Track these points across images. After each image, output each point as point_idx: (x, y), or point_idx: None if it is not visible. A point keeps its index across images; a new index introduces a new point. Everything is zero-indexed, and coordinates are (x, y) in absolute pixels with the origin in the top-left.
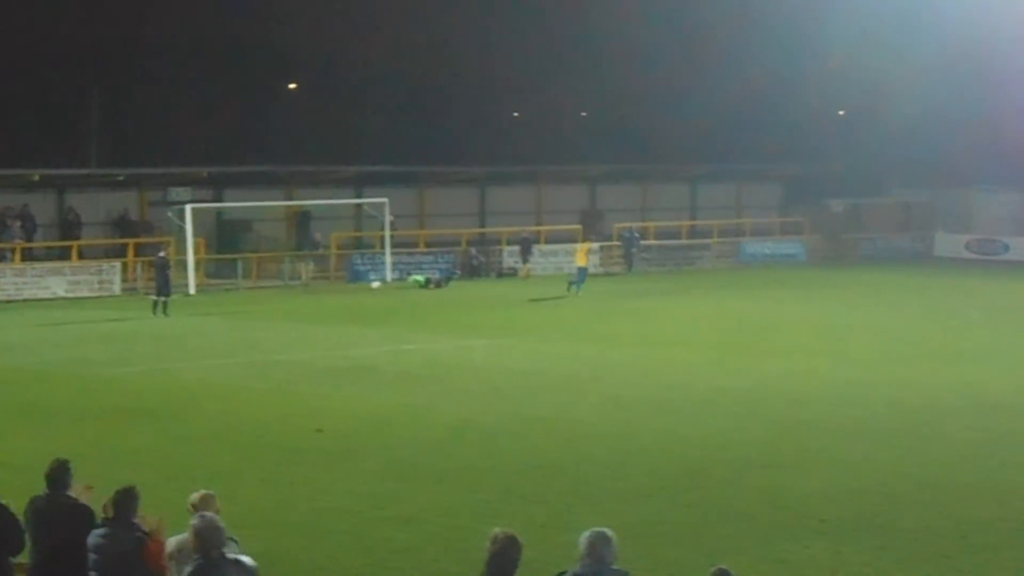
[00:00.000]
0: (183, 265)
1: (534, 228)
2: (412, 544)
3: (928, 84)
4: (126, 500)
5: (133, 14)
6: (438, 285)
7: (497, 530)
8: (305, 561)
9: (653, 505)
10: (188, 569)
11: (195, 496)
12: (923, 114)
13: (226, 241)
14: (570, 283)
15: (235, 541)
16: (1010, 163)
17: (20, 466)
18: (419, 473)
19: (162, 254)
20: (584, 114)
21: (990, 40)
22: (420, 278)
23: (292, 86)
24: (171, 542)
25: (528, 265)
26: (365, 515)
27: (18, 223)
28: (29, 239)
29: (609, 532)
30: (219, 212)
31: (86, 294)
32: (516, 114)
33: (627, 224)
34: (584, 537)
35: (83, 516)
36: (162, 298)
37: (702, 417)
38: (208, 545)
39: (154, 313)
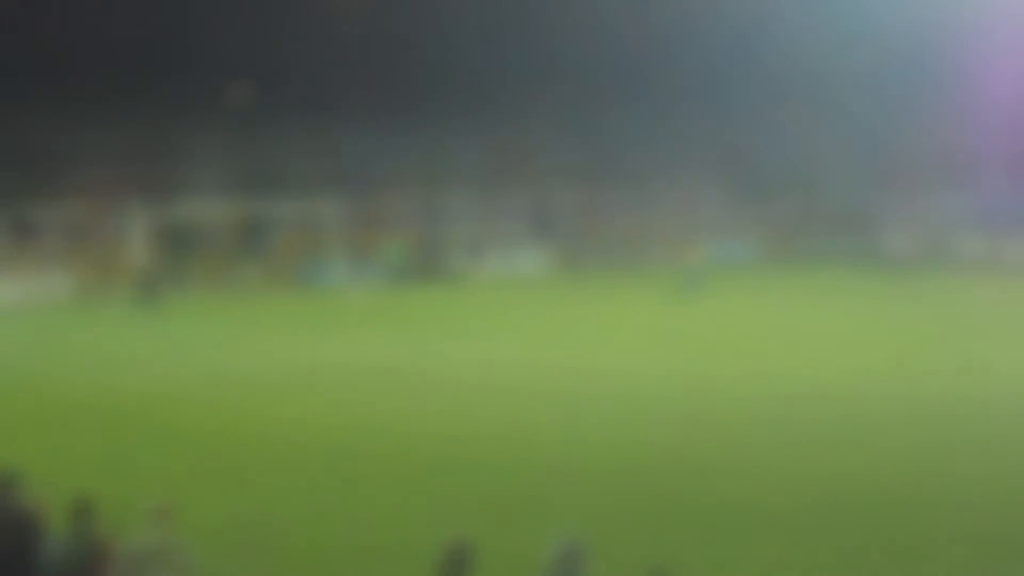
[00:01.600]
0: None
1: None
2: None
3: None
4: (84, 510)
5: None
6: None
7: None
8: None
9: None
10: None
11: (154, 504)
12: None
13: None
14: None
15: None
16: None
17: None
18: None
19: None
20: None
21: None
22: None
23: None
24: (128, 546)
25: None
26: None
27: None
28: None
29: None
30: None
31: None
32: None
33: None
34: (554, 549)
35: (29, 528)
36: None
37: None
38: None
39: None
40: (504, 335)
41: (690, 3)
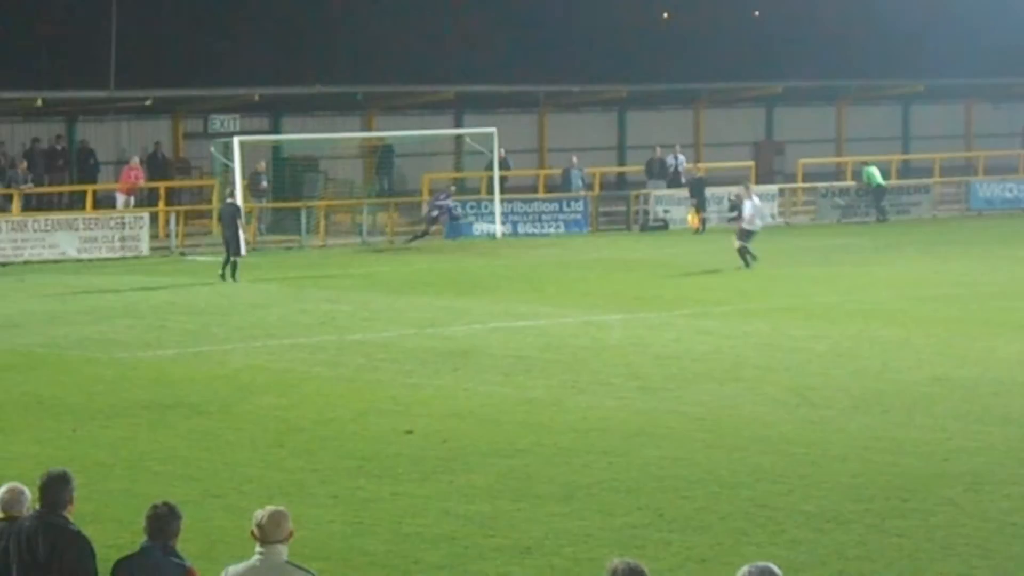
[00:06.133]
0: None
1: (704, 165)
2: None
3: None
4: (168, 520)
5: None
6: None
7: (617, 560)
8: None
9: (852, 534)
10: None
11: (261, 515)
12: None
13: (286, 185)
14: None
15: (309, 572)
16: None
17: (16, 478)
18: (539, 490)
19: (231, 200)
20: (756, 14)
21: None
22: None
23: None
24: (230, 572)
25: (700, 213)
26: (469, 543)
27: (24, 163)
28: (39, 183)
29: (776, 569)
30: (276, 147)
31: (105, 254)
32: (666, 15)
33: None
34: (742, 573)
35: (83, 545)
36: (233, 258)
37: (918, 417)
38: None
39: (223, 277)
40: None
41: None
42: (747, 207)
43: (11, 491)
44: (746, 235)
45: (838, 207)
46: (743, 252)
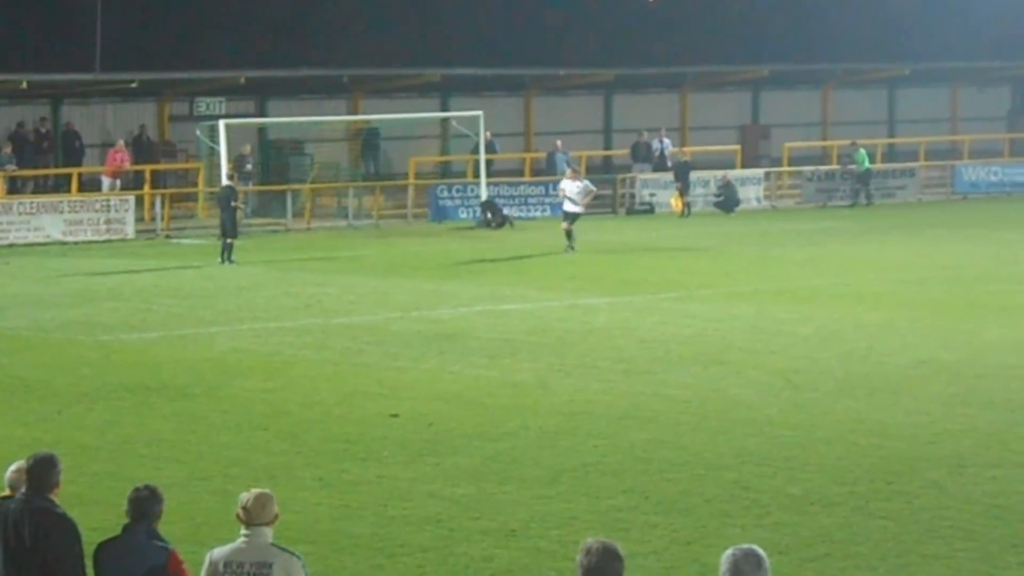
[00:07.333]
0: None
1: (689, 149)
2: (516, 565)
3: None
4: (150, 502)
5: None
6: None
7: (591, 540)
8: None
9: (836, 516)
10: None
11: (246, 497)
12: None
13: (271, 168)
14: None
15: (294, 554)
16: None
17: (1, 460)
18: (525, 473)
19: (227, 183)
20: None
21: None
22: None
23: None
24: (215, 554)
25: (684, 197)
26: (454, 526)
27: (9, 146)
28: (24, 166)
29: (760, 552)
30: (262, 130)
31: (90, 237)
32: None
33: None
34: (727, 556)
35: (69, 528)
36: (228, 240)
37: (903, 400)
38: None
39: (222, 260)
40: None
41: None
42: (571, 188)
43: (18, 471)
44: (569, 217)
45: (824, 191)
46: (569, 234)
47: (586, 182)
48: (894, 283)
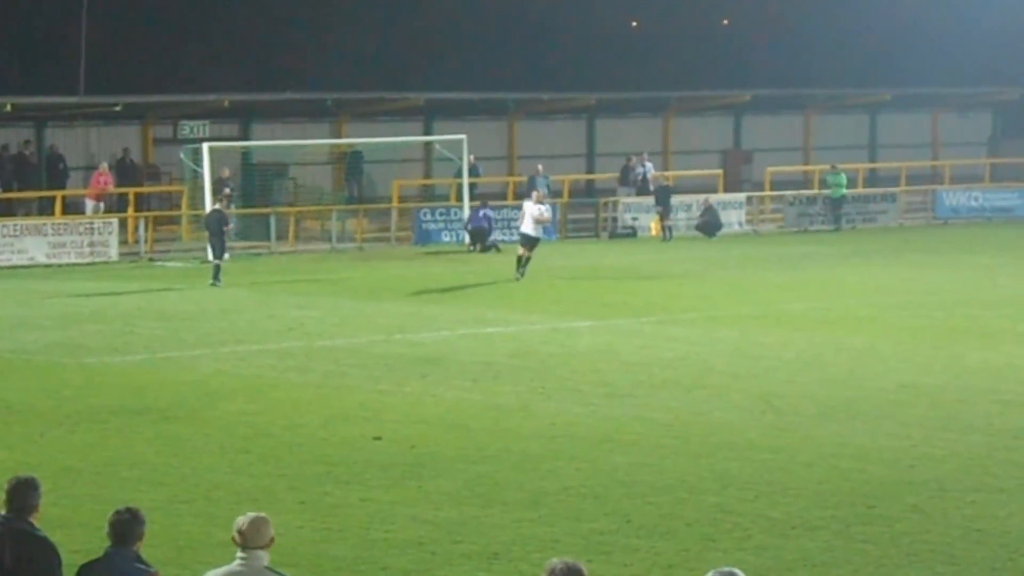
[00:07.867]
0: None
1: (671, 173)
2: None
3: None
4: (131, 525)
5: None
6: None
7: (555, 560)
8: None
9: (818, 540)
10: None
11: (242, 521)
12: None
13: (255, 191)
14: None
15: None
16: None
17: None
18: (507, 496)
19: (218, 206)
20: (725, 22)
21: None
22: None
23: None
24: None
25: (664, 221)
26: (436, 549)
27: None
28: (6, 188)
29: (742, 575)
30: (245, 153)
31: (73, 260)
32: (635, 23)
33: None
34: None
35: (49, 551)
36: (215, 261)
37: (884, 424)
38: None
39: (214, 281)
40: None
41: None
42: (533, 211)
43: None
44: (530, 242)
45: (805, 215)
46: (522, 260)
47: (546, 206)
48: (875, 307)
